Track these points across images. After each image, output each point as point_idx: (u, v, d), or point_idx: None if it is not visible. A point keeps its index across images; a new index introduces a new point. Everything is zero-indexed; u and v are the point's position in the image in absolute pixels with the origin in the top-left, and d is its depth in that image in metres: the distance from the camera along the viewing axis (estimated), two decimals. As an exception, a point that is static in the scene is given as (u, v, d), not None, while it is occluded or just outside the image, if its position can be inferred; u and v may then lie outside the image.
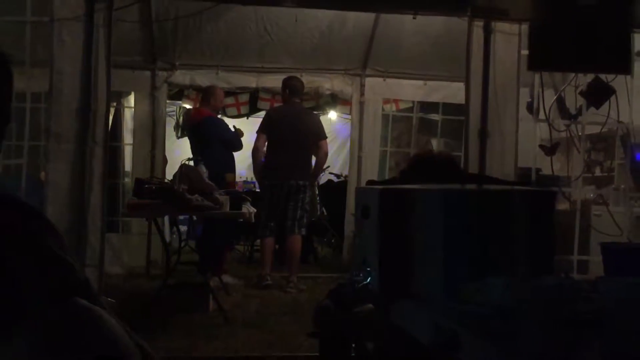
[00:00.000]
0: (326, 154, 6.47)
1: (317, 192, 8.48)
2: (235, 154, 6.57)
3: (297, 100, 6.41)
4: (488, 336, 1.35)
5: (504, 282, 1.47)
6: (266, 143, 6.37)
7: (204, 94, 6.68)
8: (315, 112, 7.65)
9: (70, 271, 0.76)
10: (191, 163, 5.53)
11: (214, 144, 6.29)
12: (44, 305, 0.70)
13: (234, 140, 6.48)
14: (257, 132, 6.37)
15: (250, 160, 7.43)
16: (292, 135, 6.21)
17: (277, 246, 6.64)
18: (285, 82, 6.39)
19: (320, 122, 6.60)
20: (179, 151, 9.25)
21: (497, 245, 1.78)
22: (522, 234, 1.81)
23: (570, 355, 1.31)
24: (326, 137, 6.48)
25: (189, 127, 6.74)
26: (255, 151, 6.36)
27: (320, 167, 6.82)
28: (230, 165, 6.48)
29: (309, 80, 6.92)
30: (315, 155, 6.58)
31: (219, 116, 6.93)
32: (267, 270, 6.23)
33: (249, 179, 10.05)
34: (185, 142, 9.23)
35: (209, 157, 6.04)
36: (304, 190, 6.27)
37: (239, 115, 8.59)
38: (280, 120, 6.29)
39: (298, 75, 6.72)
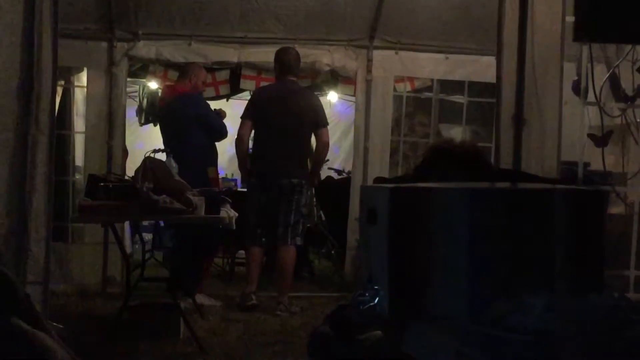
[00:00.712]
0: (327, 146, 6.47)
1: (313, 192, 8.48)
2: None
3: (291, 78, 6.41)
4: (523, 369, 1.36)
5: (543, 302, 1.48)
6: (252, 131, 6.36)
7: (182, 72, 6.67)
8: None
9: (7, 285, 0.77)
10: (159, 156, 5.53)
11: (192, 129, 6.29)
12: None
13: (218, 125, 6.48)
14: (242, 117, 6.36)
15: (230, 152, 7.42)
16: (285, 122, 6.20)
17: (264, 258, 6.65)
18: (277, 56, 6.39)
19: (321, 105, 6.59)
20: (142, 142, 9.26)
21: (534, 258, 1.78)
22: (566, 244, 1.81)
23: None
24: (327, 124, 6.48)
25: (160, 108, 6.71)
26: (239, 142, 6.33)
27: (320, 162, 6.82)
28: (213, 157, 6.49)
29: (304, 54, 6.91)
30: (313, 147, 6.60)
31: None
32: (252, 287, 6.23)
33: (228, 176, 10.06)
34: (151, 131, 9.26)
35: (186, 147, 6.04)
36: (300, 190, 6.26)
37: (217, 97, 8.59)
38: (271, 102, 6.28)
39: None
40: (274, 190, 6.21)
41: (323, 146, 6.42)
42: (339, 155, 10.88)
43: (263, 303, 6.30)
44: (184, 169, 5.52)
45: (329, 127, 6.60)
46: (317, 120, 6.35)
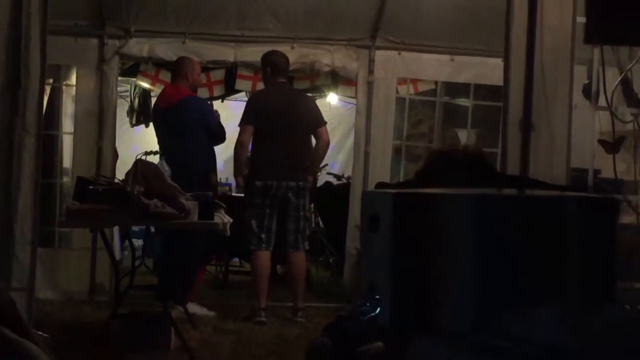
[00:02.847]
0: (328, 144, 6.59)
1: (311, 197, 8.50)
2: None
3: (283, 80, 6.46)
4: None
5: (554, 314, 1.47)
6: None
7: (176, 68, 6.62)
8: (309, 94, 7.67)
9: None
10: (152, 159, 5.54)
11: (196, 132, 6.31)
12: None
13: (221, 130, 6.53)
14: (241, 123, 6.37)
15: (223, 156, 7.48)
16: (286, 124, 6.28)
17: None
18: (266, 59, 6.42)
19: (316, 105, 6.69)
20: (137, 145, 9.25)
21: (543, 268, 1.78)
22: (576, 254, 1.81)
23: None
24: (326, 123, 6.56)
25: (161, 109, 6.65)
26: (240, 148, 6.39)
27: (320, 162, 6.91)
28: (214, 162, 6.56)
29: (302, 54, 6.91)
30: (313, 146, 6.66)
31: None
32: (262, 302, 6.21)
33: (223, 180, 10.06)
34: (145, 133, 9.27)
35: (190, 152, 6.11)
36: (304, 194, 6.38)
37: (211, 98, 8.59)
38: (270, 105, 6.34)
39: (288, 47, 6.73)
40: (280, 194, 6.28)
41: (324, 145, 6.57)
42: (337, 152, 10.85)
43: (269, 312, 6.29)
44: (186, 176, 5.60)
45: (328, 130, 6.67)
46: (317, 120, 6.46)
